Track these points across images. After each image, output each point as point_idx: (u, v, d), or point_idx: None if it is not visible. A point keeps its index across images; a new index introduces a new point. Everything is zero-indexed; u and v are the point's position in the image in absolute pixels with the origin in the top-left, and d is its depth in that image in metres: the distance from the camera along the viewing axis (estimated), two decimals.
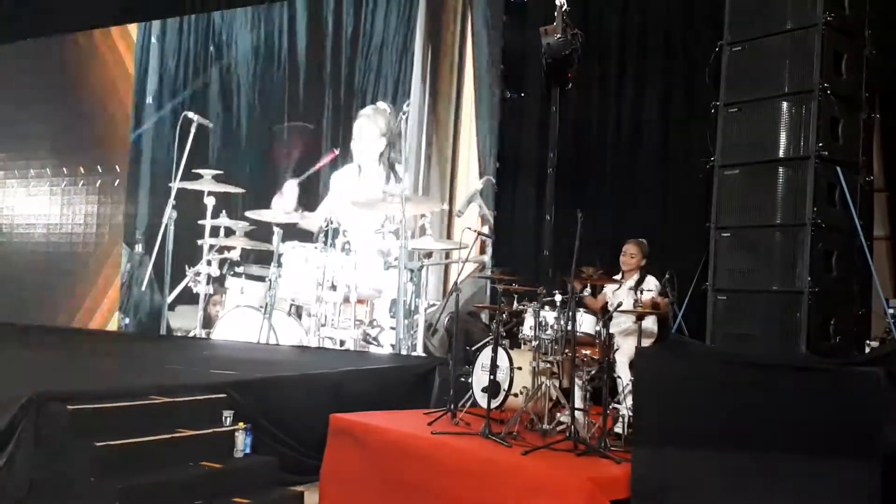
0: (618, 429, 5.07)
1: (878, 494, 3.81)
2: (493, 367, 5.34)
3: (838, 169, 5.18)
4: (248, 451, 5.27)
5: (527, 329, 5.69)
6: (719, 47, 5.56)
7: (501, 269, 6.31)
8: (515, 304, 5.88)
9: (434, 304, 5.83)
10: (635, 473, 4.26)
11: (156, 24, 10.64)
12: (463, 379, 5.96)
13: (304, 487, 5.43)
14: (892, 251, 9.75)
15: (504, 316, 5.77)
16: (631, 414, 4.86)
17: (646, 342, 5.22)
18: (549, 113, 7.88)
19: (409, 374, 7.06)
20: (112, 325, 10.44)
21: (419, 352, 5.59)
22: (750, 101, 5.40)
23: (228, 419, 5.31)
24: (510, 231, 8.08)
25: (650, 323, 5.51)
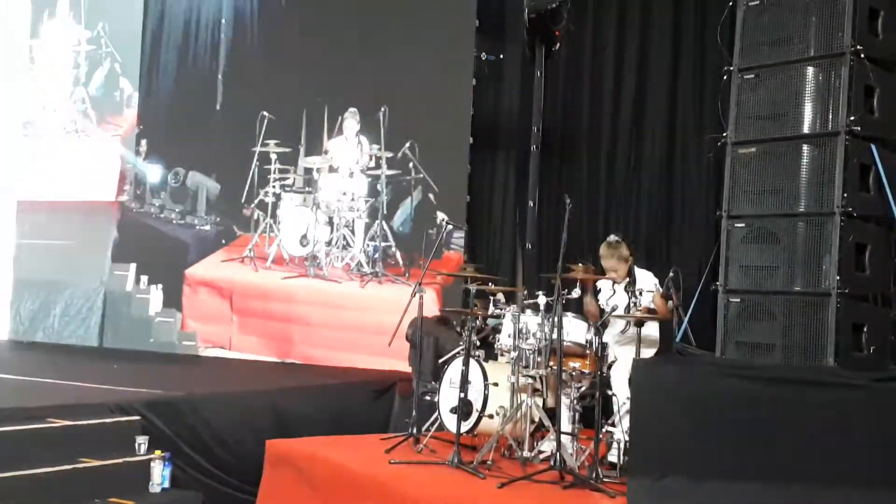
0: (612, 457, 5.09)
1: None
2: (464, 383, 5.33)
3: (873, 147, 5.21)
4: (166, 484, 5.31)
5: (505, 337, 5.69)
6: (733, 1, 5.57)
7: (475, 265, 6.28)
8: (492, 307, 5.88)
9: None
10: None
11: None
12: (428, 397, 5.94)
13: None
14: None
15: (477, 322, 5.77)
16: (627, 439, 4.87)
17: (646, 353, 5.24)
18: (534, 79, 7.89)
19: (363, 392, 7.06)
20: None
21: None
22: (769, 66, 5.37)
23: (143, 446, 5.32)
24: (486, 220, 8.08)
25: (651, 330, 5.53)
